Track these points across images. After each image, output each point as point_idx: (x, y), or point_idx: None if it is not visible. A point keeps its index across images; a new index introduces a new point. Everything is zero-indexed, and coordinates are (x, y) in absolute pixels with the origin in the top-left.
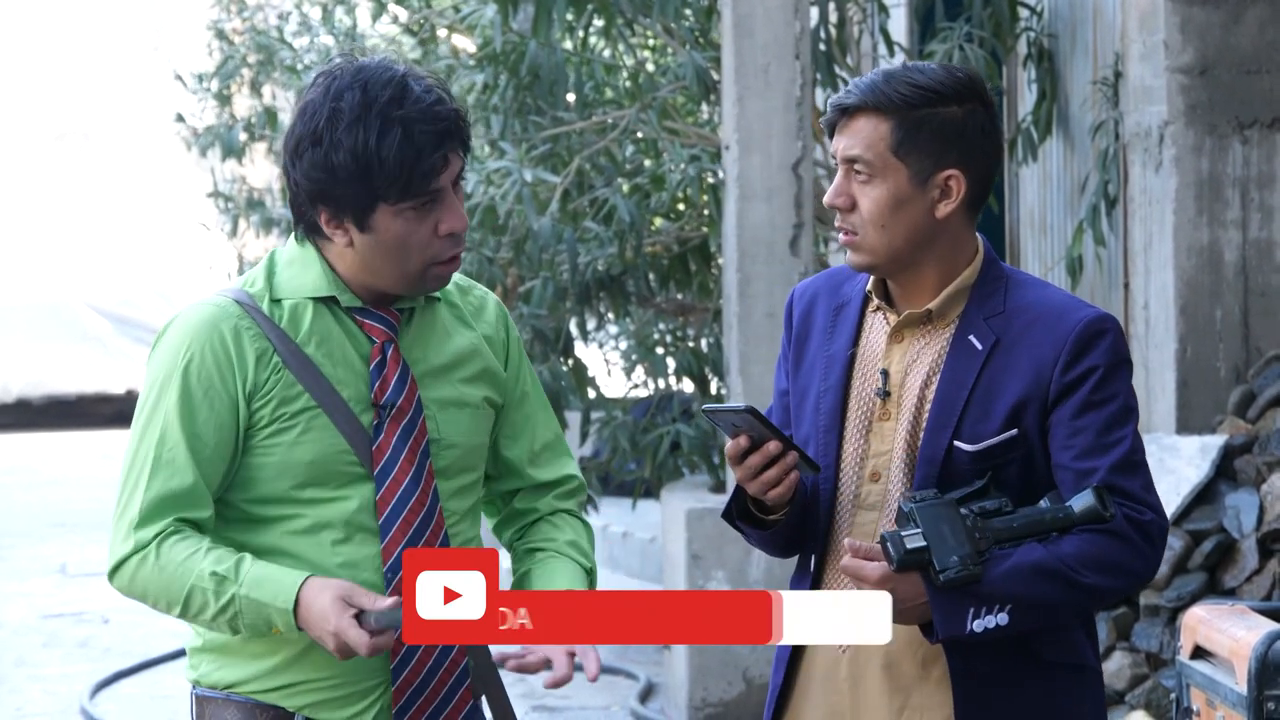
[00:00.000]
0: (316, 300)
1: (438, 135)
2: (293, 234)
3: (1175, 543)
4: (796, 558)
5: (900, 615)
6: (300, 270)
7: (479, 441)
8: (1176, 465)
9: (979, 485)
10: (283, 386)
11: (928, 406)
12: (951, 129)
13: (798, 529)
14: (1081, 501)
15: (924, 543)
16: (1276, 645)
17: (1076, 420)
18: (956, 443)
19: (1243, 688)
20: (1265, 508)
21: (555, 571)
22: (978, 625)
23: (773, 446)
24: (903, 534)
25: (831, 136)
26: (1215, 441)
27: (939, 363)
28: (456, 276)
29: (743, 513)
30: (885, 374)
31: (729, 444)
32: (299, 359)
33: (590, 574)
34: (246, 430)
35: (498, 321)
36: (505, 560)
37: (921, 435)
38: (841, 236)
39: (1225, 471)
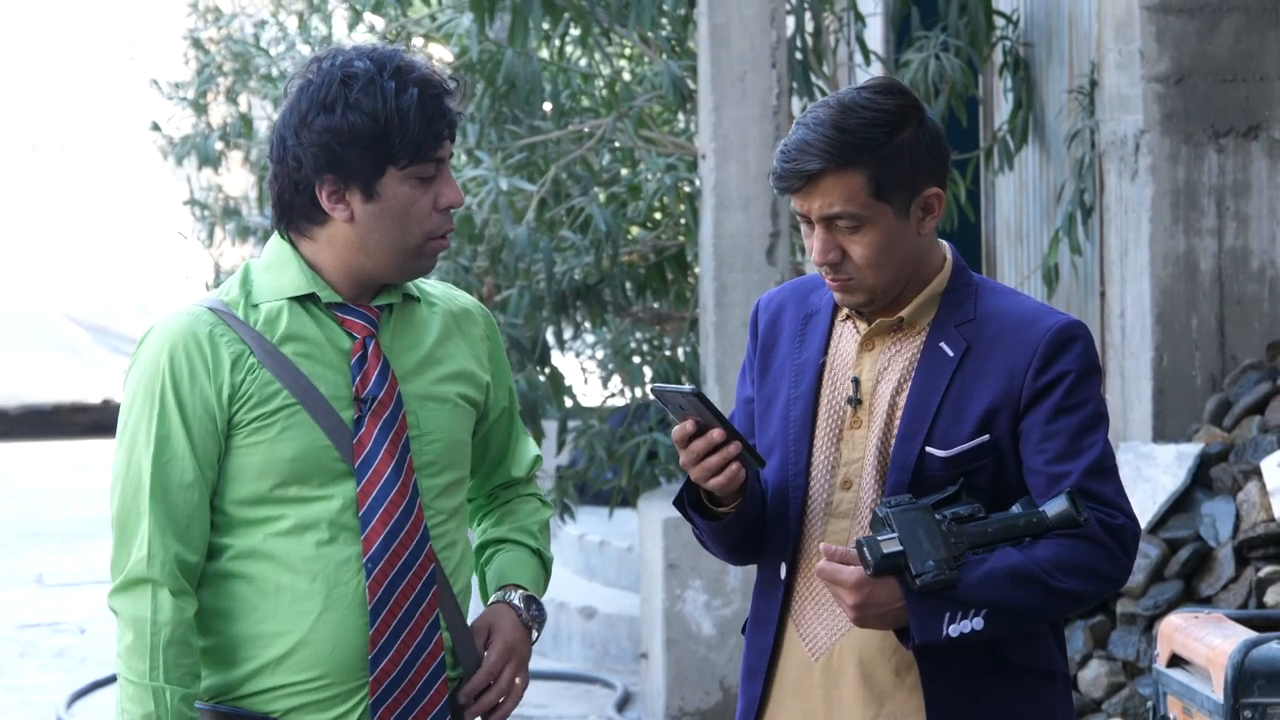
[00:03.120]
0: (294, 301)
1: (446, 103)
2: (272, 235)
3: (1152, 551)
4: (757, 569)
5: (876, 620)
6: (277, 273)
7: (461, 438)
8: (1153, 473)
9: (952, 491)
10: (259, 385)
11: (899, 413)
12: (916, 152)
13: (750, 533)
14: (1055, 506)
15: (900, 547)
16: (1253, 653)
17: (1049, 425)
18: (928, 449)
19: (1219, 696)
20: (1241, 516)
21: (507, 565)
22: (953, 630)
23: (716, 434)
24: (879, 538)
25: (782, 194)
26: (1191, 450)
27: (910, 370)
28: (443, 284)
29: (694, 503)
30: (856, 382)
31: (676, 426)
32: (275, 357)
33: (538, 553)
34: (227, 434)
35: (485, 329)
36: None
37: (893, 442)
38: (832, 284)
39: (1201, 480)
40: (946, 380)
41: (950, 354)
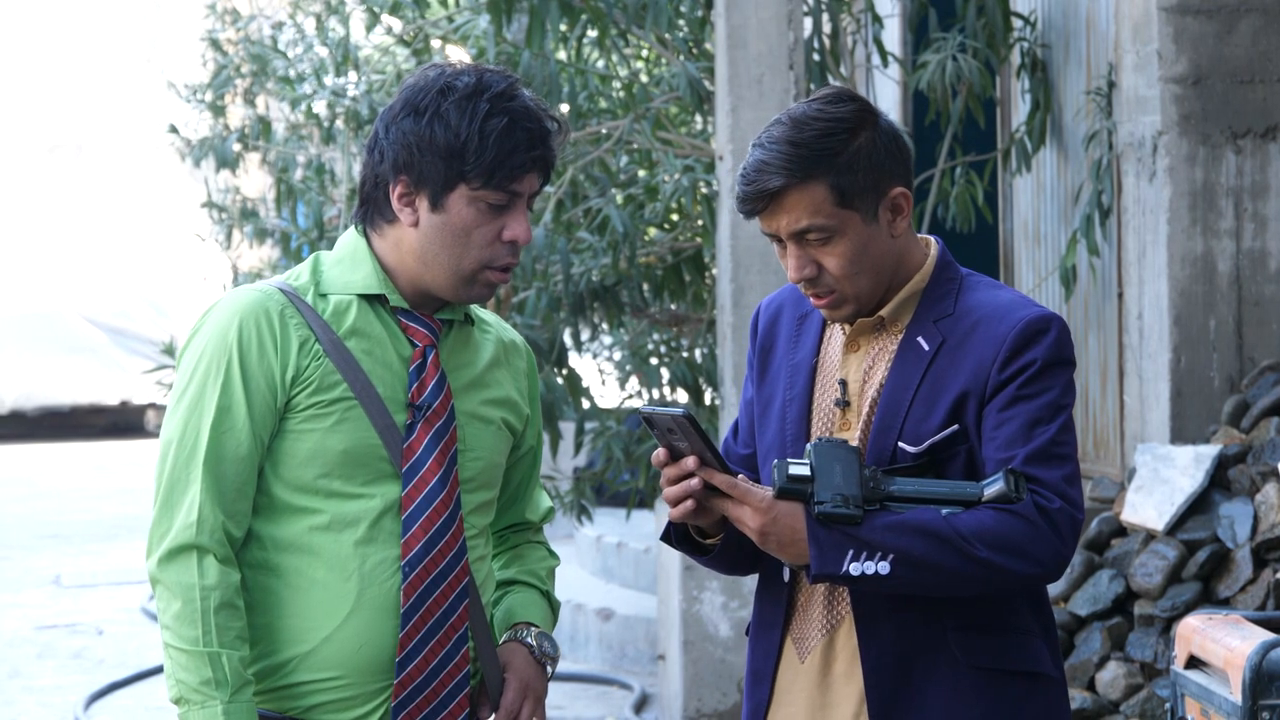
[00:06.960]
0: (362, 299)
1: (537, 139)
2: (349, 228)
3: (1170, 552)
4: (759, 573)
5: (779, 548)
6: (350, 267)
7: (498, 461)
8: (1171, 475)
9: (914, 465)
10: (322, 374)
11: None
12: (875, 155)
13: (747, 557)
14: (994, 485)
15: (808, 472)
16: (1271, 655)
17: (1004, 412)
18: (900, 444)
19: (1237, 697)
20: (1259, 517)
21: (517, 604)
22: (854, 569)
23: (689, 463)
24: (790, 461)
25: (749, 216)
26: (1209, 451)
27: (890, 367)
28: (494, 314)
29: (683, 535)
30: (844, 384)
31: (655, 452)
32: (340, 350)
33: (546, 595)
34: (282, 415)
35: (527, 367)
36: None
37: (869, 437)
38: (816, 301)
39: (1219, 481)
40: (920, 374)
41: (925, 348)
